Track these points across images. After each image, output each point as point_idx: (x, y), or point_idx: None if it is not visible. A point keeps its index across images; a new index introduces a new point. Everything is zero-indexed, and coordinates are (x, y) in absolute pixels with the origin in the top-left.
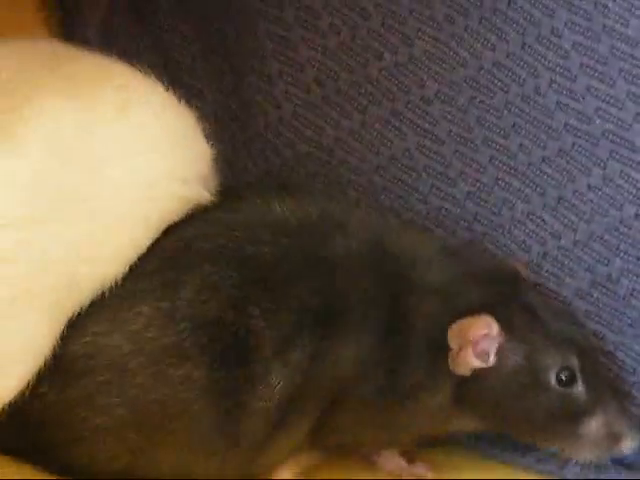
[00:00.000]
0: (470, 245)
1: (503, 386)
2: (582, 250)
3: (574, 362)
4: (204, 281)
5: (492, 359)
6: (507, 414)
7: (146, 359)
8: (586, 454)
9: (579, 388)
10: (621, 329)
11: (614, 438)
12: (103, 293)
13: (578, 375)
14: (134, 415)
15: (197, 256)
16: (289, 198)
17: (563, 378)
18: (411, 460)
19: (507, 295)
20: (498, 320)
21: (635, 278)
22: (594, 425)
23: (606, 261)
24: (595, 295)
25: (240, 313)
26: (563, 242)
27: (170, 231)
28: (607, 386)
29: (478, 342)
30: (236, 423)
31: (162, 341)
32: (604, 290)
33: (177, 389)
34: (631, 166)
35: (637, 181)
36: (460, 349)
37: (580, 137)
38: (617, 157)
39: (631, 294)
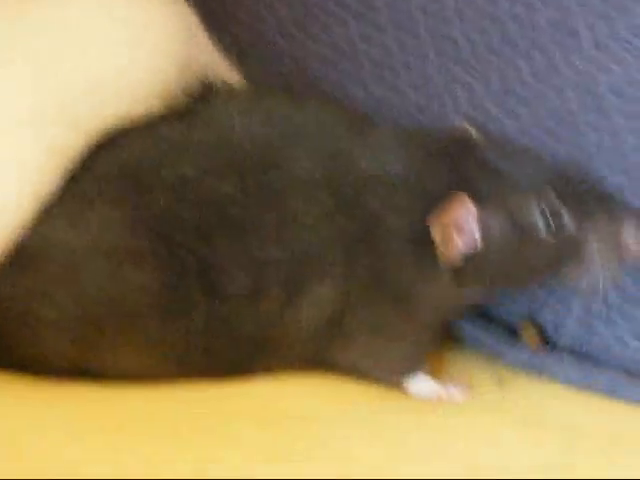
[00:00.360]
0: (418, 130)
1: (497, 254)
2: (526, 138)
3: (554, 202)
4: (168, 192)
5: (478, 240)
6: (509, 274)
7: (102, 259)
8: (598, 274)
9: (566, 217)
10: None
11: (619, 246)
12: (62, 190)
13: (563, 211)
14: (85, 312)
15: (161, 169)
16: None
17: (551, 221)
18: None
19: (469, 165)
20: (470, 195)
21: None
22: (594, 244)
23: (550, 149)
24: None
25: (201, 233)
26: (507, 130)
27: (136, 135)
28: (594, 202)
29: (461, 228)
30: (186, 330)
31: (120, 243)
32: None
33: (130, 291)
34: (573, 53)
35: (578, 67)
36: (445, 240)
37: (524, 25)
38: (560, 44)
39: None
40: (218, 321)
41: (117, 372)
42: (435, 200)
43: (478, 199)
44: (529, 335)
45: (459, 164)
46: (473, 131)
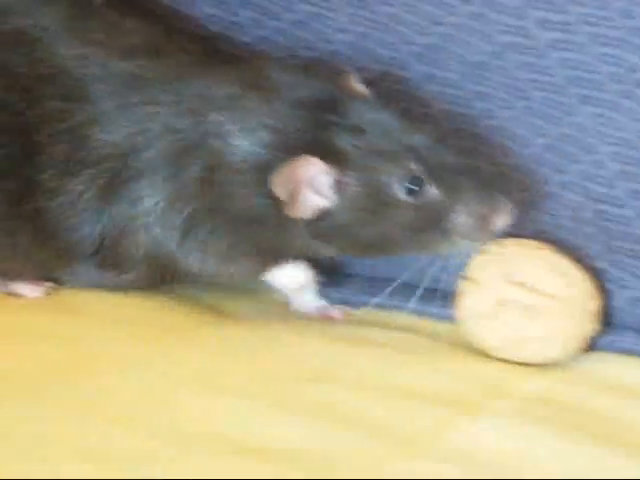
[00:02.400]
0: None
1: (354, 217)
2: None
3: (416, 167)
4: None
5: (331, 197)
6: (366, 236)
7: None
8: (462, 245)
9: (432, 190)
10: None
11: (484, 220)
12: None
13: (426, 179)
14: None
15: None
16: None
17: (412, 187)
18: None
19: (331, 123)
20: (327, 154)
21: None
22: (460, 216)
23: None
24: None
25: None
26: None
27: None
28: (467, 180)
29: (309, 184)
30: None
31: None
32: None
33: None
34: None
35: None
36: (290, 196)
37: None
38: None
39: None
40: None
41: None
42: (291, 154)
43: (337, 160)
44: None
45: (322, 118)
46: (351, 78)
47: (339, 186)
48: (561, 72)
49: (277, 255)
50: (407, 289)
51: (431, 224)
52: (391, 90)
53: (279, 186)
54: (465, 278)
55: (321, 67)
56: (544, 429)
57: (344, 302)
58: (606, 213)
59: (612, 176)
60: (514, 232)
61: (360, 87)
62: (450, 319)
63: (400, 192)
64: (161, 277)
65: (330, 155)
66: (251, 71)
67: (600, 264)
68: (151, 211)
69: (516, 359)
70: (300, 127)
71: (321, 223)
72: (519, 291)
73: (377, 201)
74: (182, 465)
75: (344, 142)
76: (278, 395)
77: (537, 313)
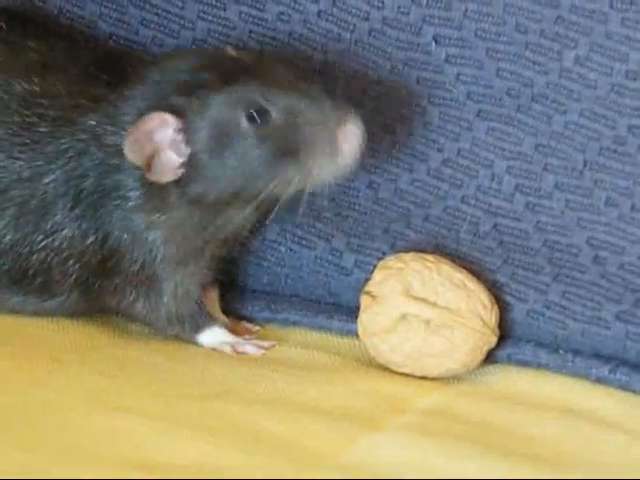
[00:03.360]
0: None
1: (209, 156)
2: None
3: (255, 97)
4: None
5: (184, 148)
6: (230, 177)
7: None
8: (319, 169)
9: (274, 115)
10: None
11: (332, 135)
12: None
13: (266, 104)
14: None
15: None
16: None
17: (255, 116)
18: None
19: (174, 81)
20: (171, 110)
21: None
22: (306, 135)
23: None
24: None
25: None
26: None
27: None
28: (311, 102)
29: (159, 142)
30: None
31: None
32: None
33: None
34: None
35: None
36: (145, 157)
37: None
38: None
39: None
40: None
41: None
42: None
43: (181, 112)
44: None
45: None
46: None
47: (189, 136)
48: (458, 87)
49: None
50: (310, 305)
51: (281, 150)
52: None
53: (132, 151)
54: (366, 293)
55: None
56: (441, 441)
57: (249, 319)
58: (504, 226)
59: (509, 190)
60: (413, 247)
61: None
62: (353, 334)
63: (244, 123)
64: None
65: (174, 108)
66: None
67: (499, 277)
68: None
69: (418, 373)
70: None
71: (186, 178)
72: (419, 306)
73: (226, 140)
74: None
75: (180, 96)
76: (181, 414)
77: (438, 327)
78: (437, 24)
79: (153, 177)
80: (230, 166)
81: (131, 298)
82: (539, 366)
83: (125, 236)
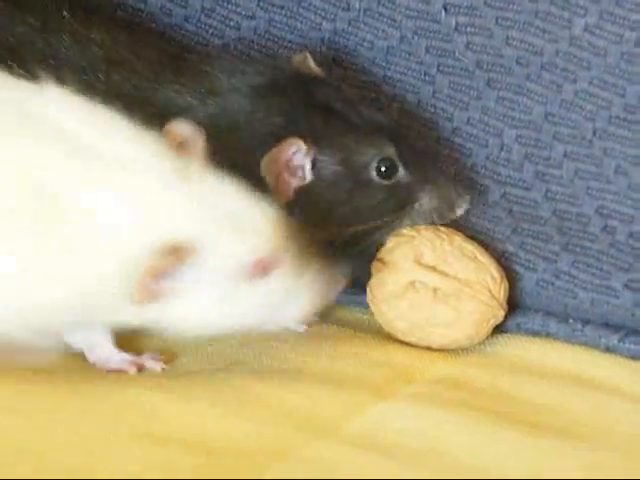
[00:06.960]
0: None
1: (328, 195)
2: None
3: (390, 150)
4: None
5: (308, 174)
6: (340, 214)
7: None
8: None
9: (402, 173)
10: None
11: (447, 205)
12: None
13: (398, 161)
14: None
15: None
16: None
17: (383, 169)
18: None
19: (302, 104)
20: (303, 135)
21: None
22: (425, 199)
23: None
24: None
25: None
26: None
27: None
28: (431, 164)
29: (289, 164)
30: None
31: None
32: None
33: None
34: None
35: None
36: (277, 177)
37: None
38: None
39: None
40: None
41: None
42: (266, 140)
43: (313, 140)
44: None
45: (292, 104)
46: (308, 61)
47: (316, 165)
48: (467, 56)
49: None
50: None
51: (398, 205)
52: None
53: (268, 170)
54: (377, 260)
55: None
56: (451, 410)
57: None
58: (513, 196)
59: (518, 159)
60: None
61: (315, 68)
62: (363, 306)
63: (373, 172)
64: None
65: (307, 135)
66: (203, 77)
67: (509, 247)
68: None
69: (424, 343)
70: (276, 112)
71: (298, 202)
72: (429, 274)
73: (350, 181)
74: None
75: (319, 122)
76: (192, 386)
77: (446, 297)
78: None
79: (277, 196)
80: (343, 206)
81: None
82: (548, 335)
83: None
